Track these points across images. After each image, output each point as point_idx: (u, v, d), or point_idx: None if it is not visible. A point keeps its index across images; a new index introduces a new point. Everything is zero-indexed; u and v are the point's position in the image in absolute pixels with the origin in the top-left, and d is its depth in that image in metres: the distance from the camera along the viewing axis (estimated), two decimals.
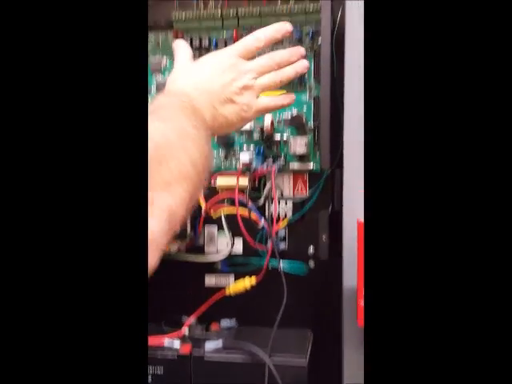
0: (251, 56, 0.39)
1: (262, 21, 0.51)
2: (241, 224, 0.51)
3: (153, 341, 0.49)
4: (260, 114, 0.44)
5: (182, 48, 0.40)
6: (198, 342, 0.50)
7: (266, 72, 0.39)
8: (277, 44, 0.51)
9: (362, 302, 0.47)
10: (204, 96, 0.36)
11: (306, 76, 0.53)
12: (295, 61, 0.40)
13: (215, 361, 0.48)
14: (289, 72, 0.40)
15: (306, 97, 0.53)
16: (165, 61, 0.56)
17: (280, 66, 0.39)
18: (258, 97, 0.39)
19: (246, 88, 0.38)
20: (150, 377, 0.48)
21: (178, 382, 0.48)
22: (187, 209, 0.30)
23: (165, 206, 0.27)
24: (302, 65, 0.41)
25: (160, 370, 0.48)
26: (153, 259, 0.27)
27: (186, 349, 0.48)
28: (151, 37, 0.56)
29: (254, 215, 0.52)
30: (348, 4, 0.47)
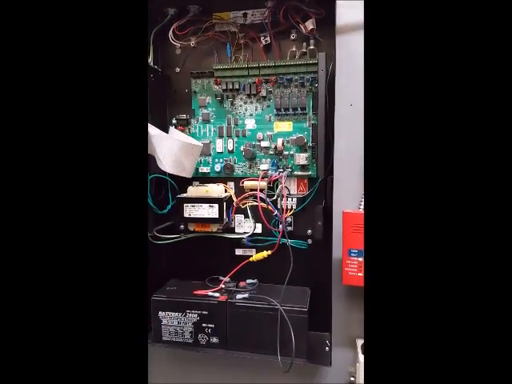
0: None
1: (276, 70, 0.61)
2: (261, 213, 0.60)
3: (201, 292, 0.61)
4: None
5: None
6: (231, 294, 0.61)
7: None
8: (285, 87, 0.62)
9: (345, 268, 0.58)
10: None
11: (307, 109, 0.61)
12: None
13: (243, 305, 0.58)
14: None
15: (306, 124, 0.62)
16: (208, 99, 0.66)
17: None
18: None
19: None
20: (198, 316, 0.59)
21: (218, 321, 0.59)
22: None
23: None
24: None
25: (206, 312, 0.59)
26: None
27: (223, 298, 0.59)
28: (199, 82, 0.66)
29: (270, 207, 0.61)
30: (338, 58, 0.55)
